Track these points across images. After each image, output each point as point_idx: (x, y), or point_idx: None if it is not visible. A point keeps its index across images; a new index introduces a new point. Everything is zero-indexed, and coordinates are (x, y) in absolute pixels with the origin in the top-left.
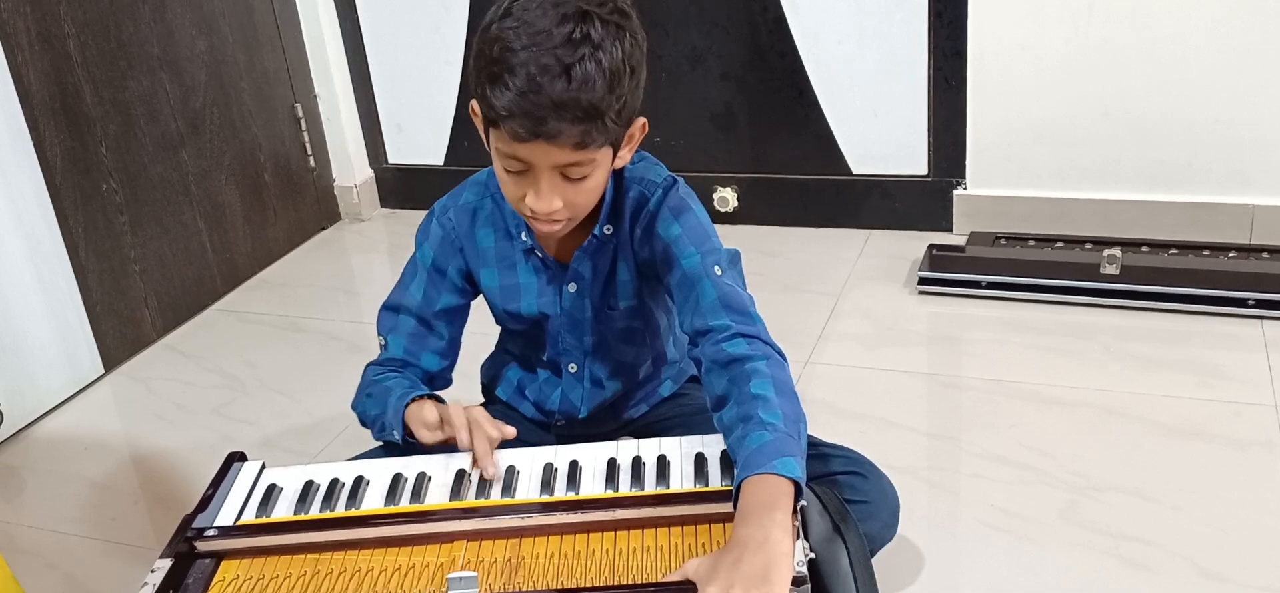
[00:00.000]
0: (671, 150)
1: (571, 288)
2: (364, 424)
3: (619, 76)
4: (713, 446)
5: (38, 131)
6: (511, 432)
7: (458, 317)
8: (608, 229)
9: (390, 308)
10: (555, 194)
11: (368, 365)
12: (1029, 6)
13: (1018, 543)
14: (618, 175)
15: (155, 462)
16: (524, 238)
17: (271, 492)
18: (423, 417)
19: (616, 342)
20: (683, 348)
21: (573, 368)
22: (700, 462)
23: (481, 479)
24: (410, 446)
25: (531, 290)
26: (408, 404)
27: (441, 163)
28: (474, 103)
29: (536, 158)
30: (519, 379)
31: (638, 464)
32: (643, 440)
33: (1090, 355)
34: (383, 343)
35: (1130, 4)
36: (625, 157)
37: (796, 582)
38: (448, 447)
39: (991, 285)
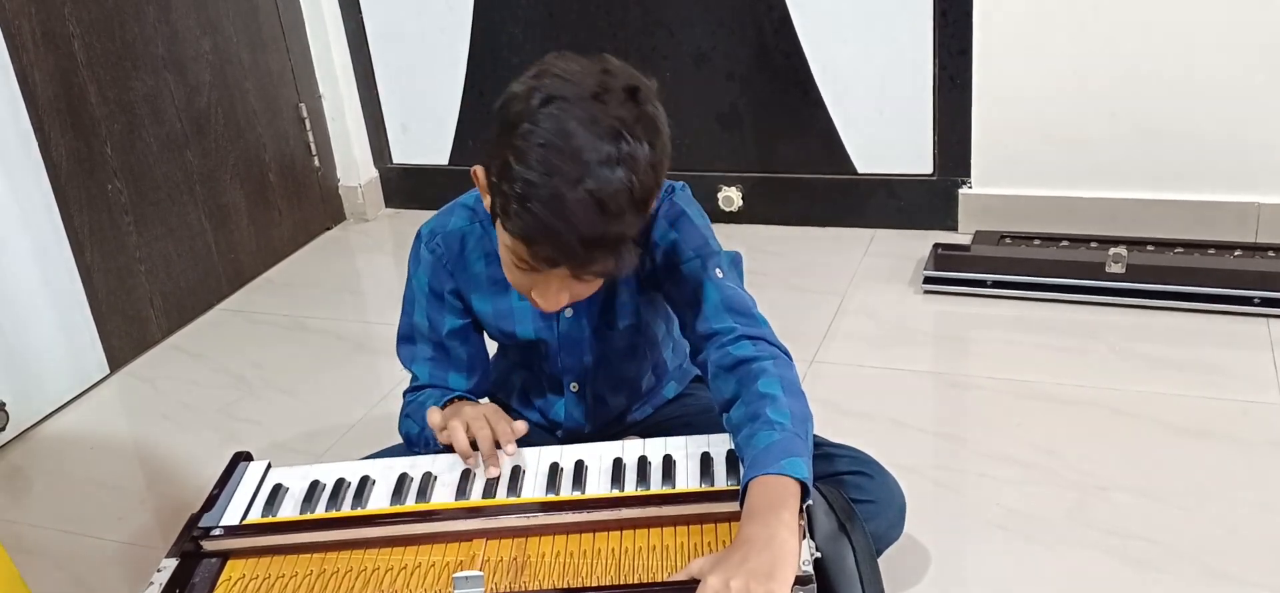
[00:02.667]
0: (676, 150)
1: (568, 312)
2: (412, 445)
3: (649, 199)
4: (718, 445)
5: (43, 132)
6: (522, 428)
7: (470, 334)
8: None
9: (404, 339)
10: (564, 291)
11: (405, 393)
12: (1034, 5)
13: (1024, 543)
14: None
15: (161, 462)
16: None
17: (277, 491)
18: (432, 421)
19: (618, 360)
20: (683, 351)
21: (574, 387)
22: (706, 461)
23: (488, 477)
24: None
25: (526, 315)
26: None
27: (446, 163)
28: (480, 172)
29: (553, 270)
30: (523, 383)
31: (643, 464)
32: (648, 440)
33: (1096, 354)
34: (411, 374)
35: (1136, 3)
36: None
37: (802, 581)
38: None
39: (997, 284)
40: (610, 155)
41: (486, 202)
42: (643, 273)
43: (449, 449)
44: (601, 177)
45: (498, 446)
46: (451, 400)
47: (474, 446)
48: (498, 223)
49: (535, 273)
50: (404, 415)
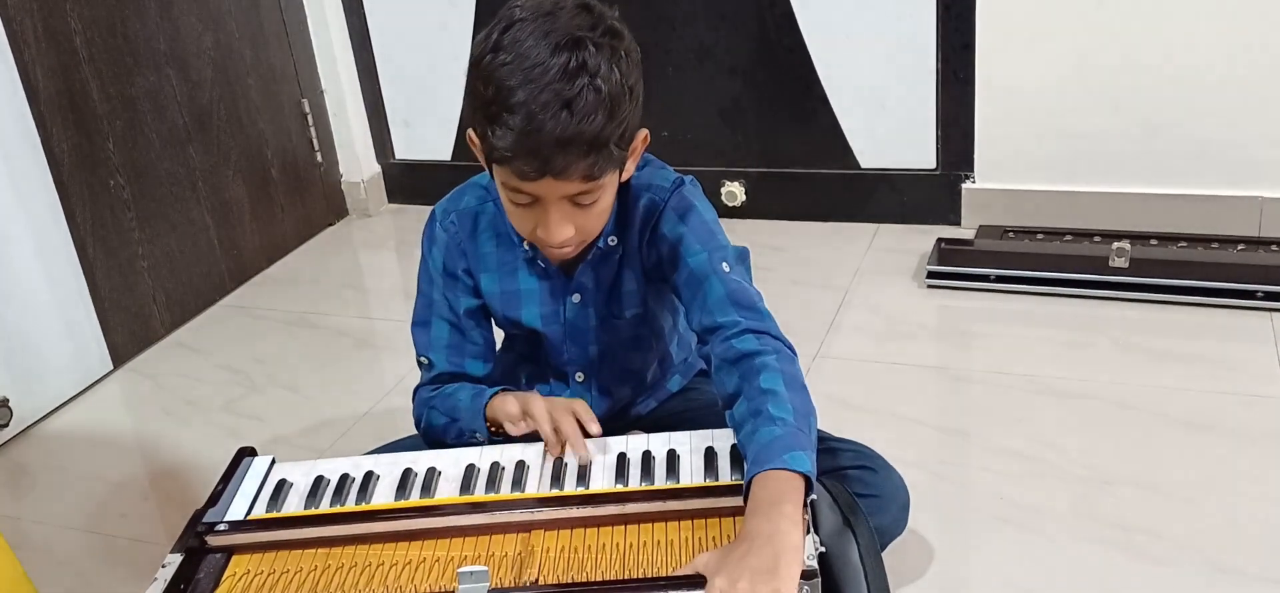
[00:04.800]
0: (679, 145)
1: (575, 298)
2: (431, 438)
3: (619, 101)
4: (722, 440)
5: (45, 129)
6: (596, 429)
7: (483, 318)
8: (612, 240)
9: (420, 324)
10: (566, 223)
11: (417, 388)
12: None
13: (1028, 536)
14: (624, 185)
15: (165, 458)
16: (526, 246)
17: (282, 487)
18: (506, 410)
19: (623, 350)
20: (688, 345)
21: (580, 377)
22: (710, 456)
23: (491, 473)
24: (494, 439)
25: (533, 298)
26: (489, 399)
27: (449, 158)
28: (471, 134)
29: (544, 191)
30: (528, 376)
31: (648, 459)
32: (652, 435)
33: (1099, 348)
34: (426, 363)
35: None
36: (630, 169)
37: (807, 576)
38: (532, 437)
39: (1000, 279)
40: (568, 61)
41: (479, 156)
42: (648, 263)
43: (505, 439)
44: (564, 79)
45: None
46: (502, 392)
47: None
48: (496, 176)
49: (533, 206)
50: (428, 408)
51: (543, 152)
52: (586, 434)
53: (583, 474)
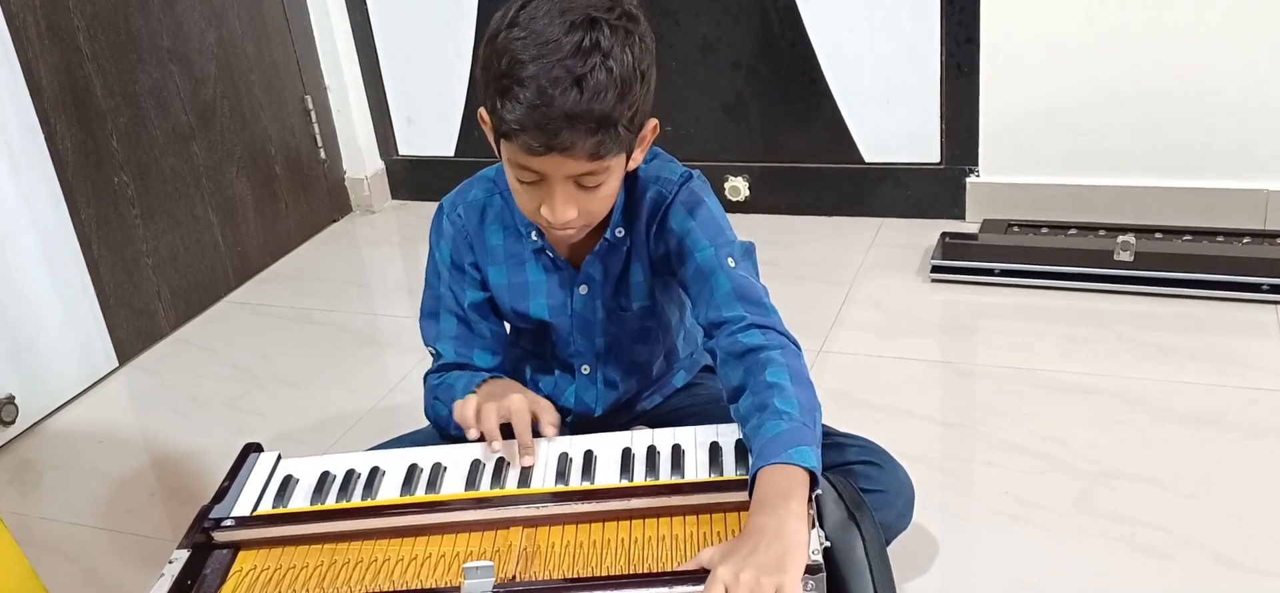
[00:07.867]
0: (683, 140)
1: (582, 289)
2: (440, 429)
3: (630, 83)
4: (727, 434)
5: (49, 125)
6: (552, 432)
7: (491, 311)
8: (620, 232)
9: (428, 316)
10: (570, 204)
11: (426, 375)
12: None
13: (1033, 531)
14: (631, 176)
15: (170, 454)
16: (534, 237)
17: (288, 482)
18: (463, 414)
19: (630, 342)
20: (694, 340)
21: (586, 369)
22: (715, 451)
23: (497, 468)
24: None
25: (541, 290)
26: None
27: (452, 154)
28: (483, 111)
29: (550, 169)
30: (533, 370)
31: (652, 454)
32: (657, 430)
33: (1104, 343)
34: (434, 353)
35: None
36: (638, 158)
37: (811, 570)
38: (506, 429)
39: (1005, 273)
40: (582, 40)
41: (489, 135)
42: (655, 256)
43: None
44: (577, 56)
45: (538, 434)
46: (481, 384)
47: (506, 433)
48: (503, 153)
49: (538, 185)
50: (432, 398)
51: (551, 126)
52: (538, 435)
53: (588, 469)
